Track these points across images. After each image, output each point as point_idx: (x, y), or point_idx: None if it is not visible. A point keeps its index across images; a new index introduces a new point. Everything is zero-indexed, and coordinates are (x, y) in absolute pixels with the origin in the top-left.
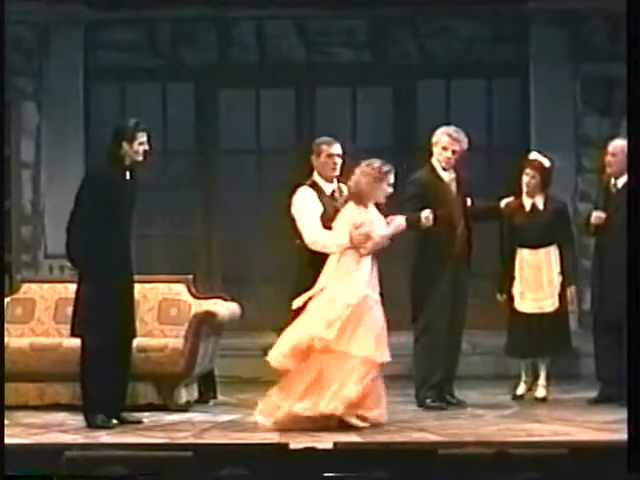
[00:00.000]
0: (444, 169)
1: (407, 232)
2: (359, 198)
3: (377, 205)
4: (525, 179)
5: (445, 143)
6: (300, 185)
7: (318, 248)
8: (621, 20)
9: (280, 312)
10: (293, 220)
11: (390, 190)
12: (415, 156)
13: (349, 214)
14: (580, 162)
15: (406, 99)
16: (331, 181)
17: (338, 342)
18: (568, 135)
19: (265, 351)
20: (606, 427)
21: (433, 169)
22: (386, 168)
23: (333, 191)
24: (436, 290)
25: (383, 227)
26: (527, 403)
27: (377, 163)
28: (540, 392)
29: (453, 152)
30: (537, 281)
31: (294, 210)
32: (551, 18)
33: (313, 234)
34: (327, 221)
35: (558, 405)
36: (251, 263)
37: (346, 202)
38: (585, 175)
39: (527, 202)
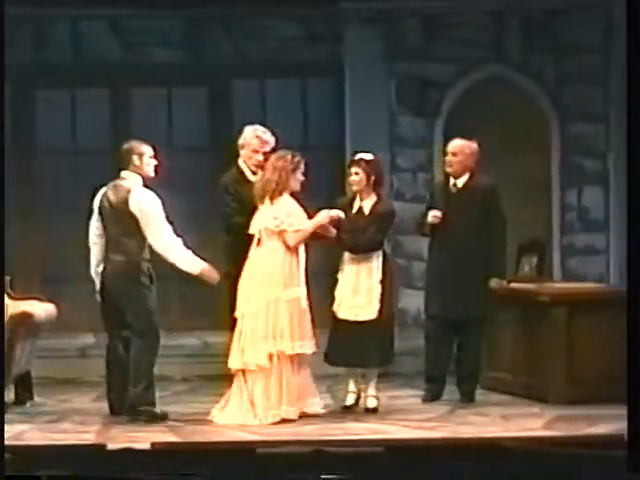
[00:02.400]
0: (253, 172)
1: None
2: (272, 193)
3: (294, 196)
4: (350, 179)
5: (256, 146)
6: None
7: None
8: (436, 19)
9: (97, 312)
10: (135, 221)
11: (303, 178)
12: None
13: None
14: (395, 161)
15: (221, 99)
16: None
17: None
18: (383, 134)
19: (82, 351)
20: (422, 425)
21: (241, 171)
22: (297, 157)
23: None
24: None
25: (304, 219)
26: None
27: (288, 154)
28: (371, 402)
29: (264, 154)
30: (355, 288)
31: (143, 212)
32: (365, 18)
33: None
34: None
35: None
36: (68, 263)
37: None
38: (400, 174)
39: (356, 204)
